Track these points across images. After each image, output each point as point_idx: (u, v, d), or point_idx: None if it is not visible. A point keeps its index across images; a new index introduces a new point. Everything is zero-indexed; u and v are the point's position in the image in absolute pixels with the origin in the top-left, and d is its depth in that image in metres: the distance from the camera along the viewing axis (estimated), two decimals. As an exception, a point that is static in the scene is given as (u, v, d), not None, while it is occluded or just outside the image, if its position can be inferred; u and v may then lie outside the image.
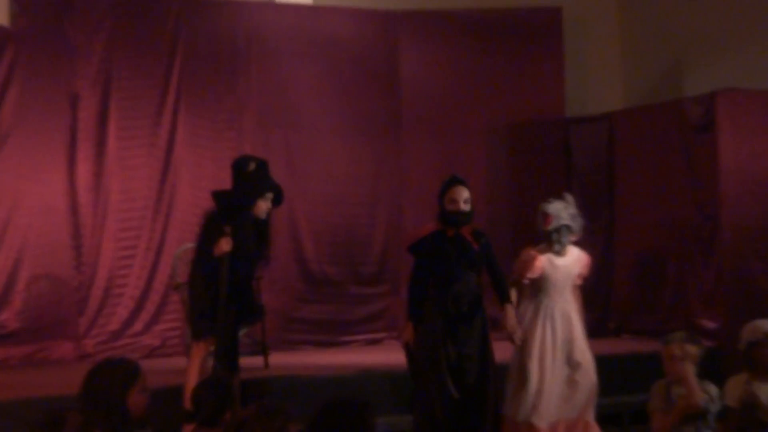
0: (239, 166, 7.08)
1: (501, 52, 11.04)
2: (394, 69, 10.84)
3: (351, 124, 10.63)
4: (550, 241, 7.25)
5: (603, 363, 7.51)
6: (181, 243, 9.17)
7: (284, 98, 10.42)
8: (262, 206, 6.96)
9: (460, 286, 6.85)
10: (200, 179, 9.89)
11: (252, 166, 6.98)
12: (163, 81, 10.01)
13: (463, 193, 6.88)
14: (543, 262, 7.20)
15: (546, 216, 7.20)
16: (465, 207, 6.85)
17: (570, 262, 7.30)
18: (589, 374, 7.23)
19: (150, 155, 9.96)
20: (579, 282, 7.40)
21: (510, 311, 6.99)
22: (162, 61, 9.99)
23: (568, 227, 7.19)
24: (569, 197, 7.34)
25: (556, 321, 7.18)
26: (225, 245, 6.80)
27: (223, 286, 6.80)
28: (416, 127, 10.90)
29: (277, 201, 7.11)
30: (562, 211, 7.19)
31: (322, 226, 10.56)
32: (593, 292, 9.03)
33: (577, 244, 7.44)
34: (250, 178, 6.96)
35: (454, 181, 6.96)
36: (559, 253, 7.23)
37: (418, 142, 10.89)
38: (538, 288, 7.27)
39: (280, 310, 10.11)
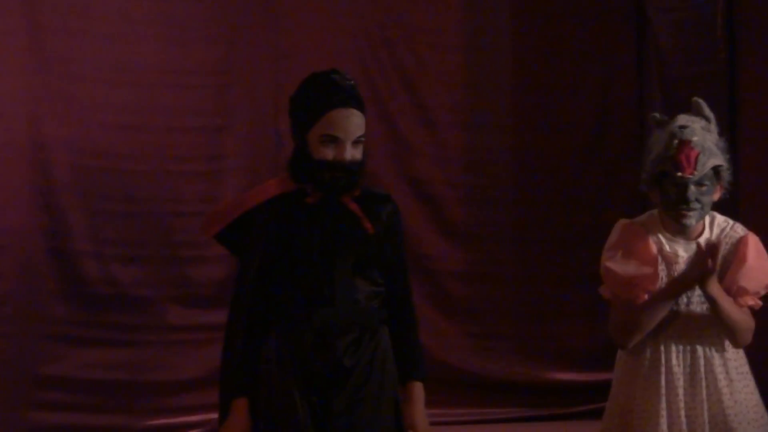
0: None
1: None
2: None
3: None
4: (676, 204, 4.27)
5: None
6: None
7: None
8: None
9: (336, 309, 4.22)
10: None
11: None
12: None
13: (354, 121, 4.18)
14: (653, 250, 4.36)
15: (690, 149, 4.31)
16: (355, 153, 4.22)
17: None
18: None
19: None
20: (749, 300, 4.31)
21: (419, 395, 4.30)
22: None
23: (717, 172, 4.33)
24: (706, 108, 4.44)
25: (681, 385, 4.34)
26: None
27: None
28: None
29: None
30: (708, 138, 4.40)
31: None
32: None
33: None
34: None
35: (336, 94, 4.15)
36: (686, 232, 4.34)
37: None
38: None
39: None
